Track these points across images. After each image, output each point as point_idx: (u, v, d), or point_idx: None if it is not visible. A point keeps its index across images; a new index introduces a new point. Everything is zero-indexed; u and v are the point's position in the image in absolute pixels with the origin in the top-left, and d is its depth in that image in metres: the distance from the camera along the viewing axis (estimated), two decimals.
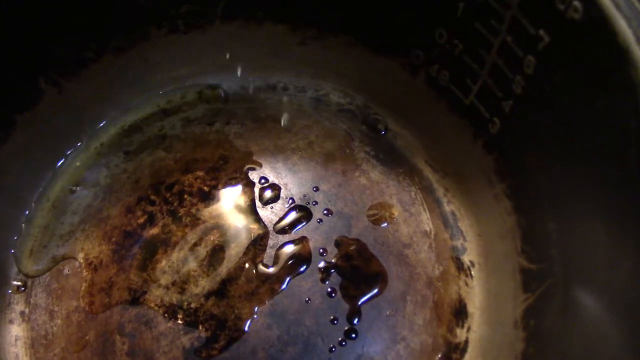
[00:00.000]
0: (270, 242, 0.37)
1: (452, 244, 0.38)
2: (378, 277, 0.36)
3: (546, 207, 0.30)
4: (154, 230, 0.37)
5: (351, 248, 0.37)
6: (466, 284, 0.37)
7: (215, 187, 0.39)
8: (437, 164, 0.41)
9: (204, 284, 0.36)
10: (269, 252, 0.37)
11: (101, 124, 0.42)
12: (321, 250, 0.37)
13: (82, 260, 0.37)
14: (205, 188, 0.39)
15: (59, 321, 0.35)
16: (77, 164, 0.41)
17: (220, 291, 0.35)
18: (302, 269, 0.36)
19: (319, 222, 0.38)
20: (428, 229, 0.38)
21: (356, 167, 0.40)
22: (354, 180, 0.40)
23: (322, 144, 0.41)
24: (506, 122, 0.32)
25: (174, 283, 0.36)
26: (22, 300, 0.36)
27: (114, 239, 0.37)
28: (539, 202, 0.31)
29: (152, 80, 0.42)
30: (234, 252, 0.37)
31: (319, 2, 0.38)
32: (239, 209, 0.38)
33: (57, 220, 0.39)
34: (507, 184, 0.34)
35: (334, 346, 0.34)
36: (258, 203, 0.39)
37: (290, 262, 0.36)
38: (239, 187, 0.39)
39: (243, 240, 0.37)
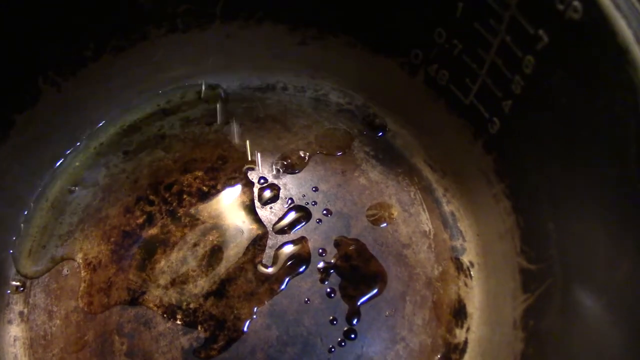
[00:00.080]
0: (270, 243, 0.37)
1: (451, 244, 0.38)
2: (377, 278, 0.36)
3: (545, 207, 0.30)
4: (153, 231, 0.37)
5: (350, 248, 0.37)
6: (465, 285, 0.37)
7: (215, 187, 0.39)
8: (437, 164, 0.41)
9: (203, 284, 0.36)
10: (268, 253, 0.37)
11: (100, 124, 0.42)
12: (320, 251, 0.37)
13: (81, 261, 0.37)
14: (204, 188, 0.39)
15: (58, 321, 0.35)
16: (76, 163, 0.40)
17: (219, 291, 0.35)
18: (301, 269, 0.36)
19: (318, 222, 0.38)
20: (427, 229, 0.38)
21: (355, 167, 0.40)
22: (353, 180, 0.40)
23: (322, 144, 0.41)
24: (506, 122, 0.32)
25: (173, 283, 0.36)
26: (21, 300, 0.36)
27: (112, 239, 0.37)
28: (538, 202, 0.31)
29: (151, 79, 0.42)
30: (233, 252, 0.37)
31: (318, 2, 0.38)
32: (238, 209, 0.38)
33: (56, 221, 0.38)
34: (507, 184, 0.34)
35: (333, 346, 0.34)
36: (257, 203, 0.39)
37: (290, 262, 0.36)
38: (238, 187, 0.39)
39: (242, 240, 0.37)
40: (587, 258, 0.27)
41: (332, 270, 0.36)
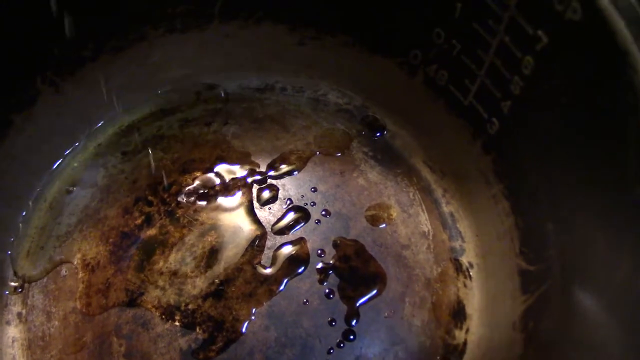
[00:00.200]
0: (268, 243, 0.37)
1: (450, 245, 0.38)
2: (376, 279, 0.36)
3: (544, 208, 0.30)
4: (152, 231, 0.37)
5: (349, 249, 0.37)
6: (465, 285, 0.37)
7: (213, 188, 0.39)
8: (436, 165, 0.40)
9: (202, 286, 0.35)
10: (267, 253, 0.37)
11: (99, 124, 0.42)
12: (319, 252, 0.37)
13: (79, 262, 0.37)
14: (202, 189, 0.39)
15: (56, 323, 0.35)
16: (75, 164, 0.40)
17: (218, 292, 0.35)
18: (300, 270, 0.36)
19: (317, 223, 0.38)
20: (426, 229, 0.38)
21: (354, 168, 0.40)
22: (352, 180, 0.40)
23: (320, 144, 0.41)
24: (505, 122, 0.32)
25: (171, 284, 0.36)
26: (19, 301, 0.36)
27: (111, 240, 0.37)
28: (537, 202, 0.31)
29: (150, 80, 0.42)
30: (231, 253, 0.37)
31: (317, 2, 0.38)
32: (236, 210, 0.38)
33: (54, 221, 0.38)
34: (505, 185, 0.34)
35: (332, 348, 0.34)
36: (256, 204, 0.38)
37: (288, 263, 0.36)
38: (237, 188, 0.39)
39: (241, 241, 0.37)
40: (587, 259, 0.27)
41: (331, 271, 0.36)
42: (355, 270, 0.36)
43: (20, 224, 0.38)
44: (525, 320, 0.31)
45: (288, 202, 0.39)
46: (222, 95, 0.43)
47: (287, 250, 0.37)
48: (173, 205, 0.38)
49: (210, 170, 0.40)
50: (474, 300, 0.36)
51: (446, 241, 0.38)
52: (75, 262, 0.37)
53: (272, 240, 0.37)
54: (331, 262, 0.36)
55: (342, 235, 0.37)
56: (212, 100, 0.43)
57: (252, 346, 0.34)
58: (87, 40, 0.37)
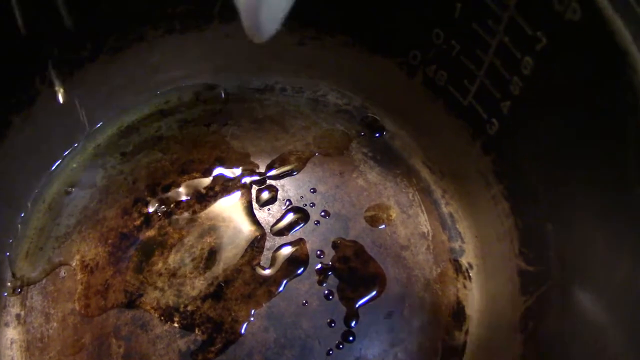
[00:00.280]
0: (267, 244, 0.37)
1: (450, 246, 0.38)
2: (376, 280, 0.36)
3: (544, 208, 0.30)
4: (150, 232, 0.37)
5: (349, 250, 0.37)
6: (464, 286, 0.36)
7: (212, 189, 0.39)
8: (435, 165, 0.40)
9: (201, 287, 0.35)
10: (266, 254, 0.37)
11: (98, 125, 0.42)
12: (318, 252, 0.37)
13: (78, 263, 0.37)
14: (201, 190, 0.39)
15: (55, 324, 0.35)
16: (74, 165, 0.40)
17: (217, 294, 0.35)
18: (299, 271, 0.36)
19: (316, 224, 0.38)
20: (426, 230, 0.38)
21: (354, 169, 0.40)
22: (351, 181, 0.40)
23: (320, 145, 0.41)
24: (504, 123, 0.32)
25: (170, 285, 0.36)
26: (18, 302, 0.36)
27: (110, 241, 0.37)
28: (536, 203, 0.31)
29: (149, 80, 0.42)
30: (230, 254, 0.36)
31: (317, 3, 0.38)
32: (235, 210, 0.38)
33: (53, 222, 0.38)
34: (505, 185, 0.34)
35: (331, 349, 0.34)
36: (255, 205, 0.38)
37: (288, 264, 0.36)
38: (236, 189, 0.39)
39: (240, 242, 0.37)
40: (586, 259, 0.27)
41: (330, 272, 0.36)
42: (354, 271, 0.36)
43: (19, 225, 0.38)
44: (525, 321, 0.31)
45: (287, 203, 0.39)
46: (222, 95, 0.43)
47: (287, 251, 0.37)
48: (172, 206, 0.38)
49: (210, 171, 0.40)
50: (473, 301, 0.36)
51: (446, 242, 0.38)
52: (74, 264, 0.37)
53: (271, 241, 0.37)
54: (330, 263, 0.36)
55: (342, 236, 0.37)
56: (211, 100, 0.43)
57: (251, 347, 0.34)
58: (86, 41, 0.37)
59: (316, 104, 0.43)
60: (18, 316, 0.35)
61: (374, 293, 0.35)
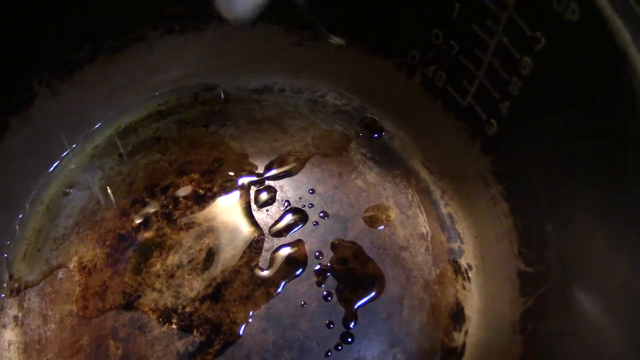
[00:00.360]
0: (266, 245, 0.37)
1: (449, 247, 0.38)
2: (374, 281, 0.36)
3: (543, 209, 0.30)
4: (149, 234, 0.37)
5: (347, 251, 0.37)
6: (463, 287, 0.36)
7: (211, 190, 0.39)
8: (434, 166, 0.40)
9: (199, 288, 0.35)
10: (265, 256, 0.36)
11: (96, 126, 0.41)
12: (317, 254, 0.36)
13: (76, 265, 0.36)
14: (200, 191, 0.39)
15: (53, 326, 0.35)
16: (72, 166, 0.40)
17: (215, 295, 0.35)
18: (297, 273, 0.36)
19: (315, 225, 0.38)
20: (425, 231, 0.38)
21: (352, 169, 0.40)
22: (350, 182, 0.39)
23: (318, 145, 0.41)
24: (503, 123, 0.32)
25: (168, 287, 0.35)
26: (16, 304, 0.36)
27: (108, 243, 0.37)
28: (536, 203, 0.31)
29: (147, 81, 0.42)
30: (229, 255, 0.36)
31: (315, 3, 0.38)
32: (234, 211, 0.38)
33: (51, 224, 0.38)
34: (504, 186, 0.34)
35: (329, 350, 0.34)
36: (253, 206, 0.38)
37: (286, 265, 0.36)
38: (235, 190, 0.39)
39: (238, 243, 0.37)
40: (585, 260, 0.27)
41: (328, 273, 0.36)
42: (353, 272, 0.36)
43: (17, 227, 0.38)
44: (524, 322, 0.31)
45: (286, 203, 0.38)
46: (221, 96, 0.43)
47: (285, 252, 0.37)
48: (170, 207, 0.38)
49: (208, 172, 0.39)
50: (472, 302, 0.36)
51: (445, 243, 0.38)
52: (72, 265, 0.36)
53: (269, 243, 0.37)
54: (329, 264, 0.36)
55: (340, 237, 0.37)
56: (210, 101, 0.43)
57: (249, 349, 0.34)
58: (84, 41, 0.37)
59: (315, 105, 0.43)
60: (16, 318, 0.35)
61: (372, 294, 0.35)
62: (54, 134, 0.39)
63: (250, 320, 0.34)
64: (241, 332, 0.34)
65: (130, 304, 0.35)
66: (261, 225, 0.38)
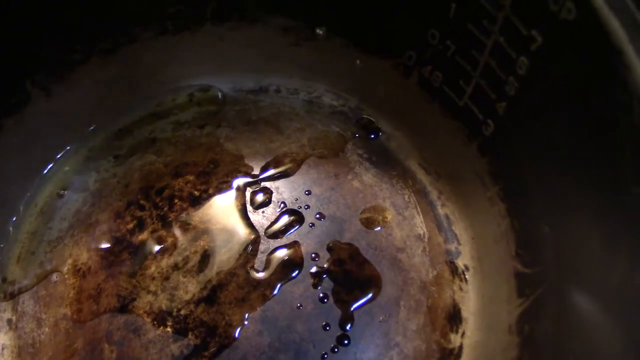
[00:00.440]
0: (262, 247, 0.37)
1: (446, 248, 0.38)
2: (371, 282, 0.36)
3: (540, 210, 0.30)
4: (144, 236, 0.37)
5: (344, 253, 0.37)
6: (460, 289, 0.36)
7: (206, 192, 0.39)
8: (431, 167, 0.40)
9: (194, 291, 0.35)
10: (260, 257, 0.36)
11: (90, 128, 0.41)
12: (313, 255, 0.36)
13: (70, 267, 0.36)
14: (195, 192, 0.38)
15: (47, 329, 0.34)
16: (66, 168, 0.40)
17: (210, 297, 0.35)
18: (293, 275, 0.36)
19: (311, 227, 0.37)
20: (422, 232, 0.38)
21: (349, 170, 0.40)
22: (346, 183, 0.39)
23: (315, 146, 0.41)
24: (500, 124, 0.32)
25: (163, 289, 0.35)
26: (10, 308, 0.35)
27: (102, 245, 0.37)
28: (533, 204, 0.31)
29: (141, 83, 0.42)
30: (224, 257, 0.36)
31: (311, 3, 0.38)
32: (229, 213, 0.38)
33: (46, 226, 0.38)
34: (501, 187, 0.34)
35: (326, 353, 0.33)
36: (249, 207, 0.38)
37: (282, 267, 0.36)
38: (230, 192, 0.39)
39: (234, 245, 0.37)
40: (583, 261, 0.26)
41: (325, 275, 0.36)
42: (349, 274, 0.36)
43: (11, 229, 0.38)
44: (521, 324, 0.31)
45: (282, 205, 0.38)
46: (217, 97, 0.43)
47: (281, 254, 0.36)
48: (165, 209, 0.38)
49: (204, 173, 0.39)
50: (469, 303, 0.36)
51: (442, 244, 0.38)
52: (66, 268, 0.36)
53: (265, 244, 0.37)
54: (325, 265, 0.36)
55: (337, 238, 0.37)
56: (205, 102, 0.43)
57: (245, 352, 0.33)
58: (78, 43, 0.37)
59: (311, 106, 0.43)
60: (9, 321, 0.35)
61: (369, 296, 0.35)
62: (49, 135, 0.39)
63: (245, 322, 0.34)
64: (237, 335, 0.34)
65: (124, 306, 0.35)
66: (257, 227, 0.37)
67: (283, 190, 0.39)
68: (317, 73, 0.43)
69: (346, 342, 0.34)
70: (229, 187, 0.39)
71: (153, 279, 0.35)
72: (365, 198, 0.39)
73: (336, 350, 0.34)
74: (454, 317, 0.35)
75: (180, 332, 0.34)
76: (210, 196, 0.38)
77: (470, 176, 0.36)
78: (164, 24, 0.38)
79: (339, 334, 0.34)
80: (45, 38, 0.35)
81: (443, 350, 0.34)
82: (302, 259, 0.36)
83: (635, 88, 0.22)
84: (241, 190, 0.39)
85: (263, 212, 0.38)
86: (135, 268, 0.36)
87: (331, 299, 0.35)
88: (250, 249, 0.36)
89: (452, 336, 0.35)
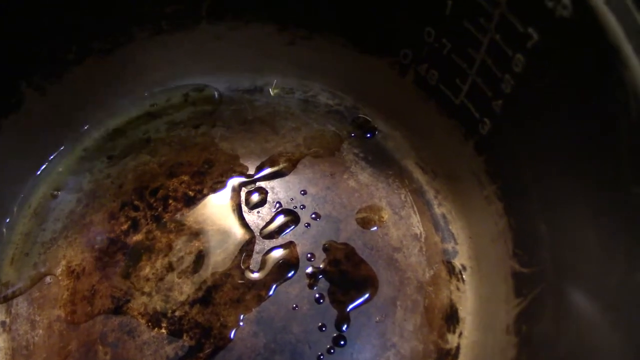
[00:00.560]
0: (257, 248, 0.36)
1: (443, 248, 0.37)
2: (367, 282, 0.35)
3: (537, 209, 0.30)
4: (138, 237, 0.37)
5: (339, 253, 0.36)
6: (457, 289, 0.36)
7: (201, 192, 0.38)
8: (428, 166, 0.40)
9: (189, 292, 0.35)
10: (256, 258, 0.36)
11: (84, 128, 0.41)
12: (309, 255, 0.36)
13: (64, 269, 0.36)
14: (190, 193, 0.38)
15: (41, 331, 0.34)
16: (60, 168, 0.40)
17: (205, 298, 0.35)
18: (289, 275, 0.35)
19: (306, 227, 0.37)
20: (418, 232, 0.38)
21: (345, 170, 0.40)
22: (342, 183, 0.39)
23: (310, 146, 0.41)
24: (497, 122, 0.32)
25: (157, 291, 0.35)
26: (3, 310, 0.35)
27: (96, 246, 0.37)
28: (530, 203, 0.30)
29: (136, 82, 0.41)
30: (219, 258, 0.36)
31: (308, 2, 0.38)
32: (224, 213, 0.37)
33: (39, 227, 0.38)
34: (498, 186, 0.34)
35: (322, 354, 0.33)
36: (244, 207, 0.38)
37: (277, 267, 0.36)
38: (225, 192, 0.38)
39: (229, 245, 0.36)
40: (581, 261, 0.26)
41: (321, 276, 0.35)
42: (345, 274, 0.36)
43: (4, 230, 0.37)
44: (518, 324, 0.31)
45: (277, 205, 0.38)
46: (212, 97, 0.43)
47: (276, 254, 0.36)
48: (160, 209, 0.37)
49: (198, 173, 0.39)
50: (467, 303, 0.35)
51: (439, 243, 0.37)
52: (60, 270, 0.36)
53: (260, 245, 0.36)
54: (321, 266, 0.36)
55: (333, 238, 0.37)
56: (200, 102, 0.43)
57: (240, 353, 0.33)
58: (72, 43, 0.36)
59: (307, 105, 0.43)
60: (3, 323, 0.35)
61: (365, 296, 0.35)
62: (42, 135, 0.39)
63: (241, 323, 0.34)
64: (232, 336, 0.34)
65: (119, 308, 0.34)
66: (252, 227, 0.37)
67: (278, 190, 0.39)
68: (313, 72, 0.43)
69: (342, 342, 0.34)
70: (224, 187, 0.38)
71: (147, 280, 0.35)
72: (362, 197, 0.39)
73: (332, 351, 0.33)
74: (451, 317, 0.35)
75: (175, 333, 0.34)
76: (204, 196, 0.38)
77: (467, 175, 0.36)
78: (159, 24, 0.38)
79: (335, 334, 0.34)
80: (44, 38, 0.35)
81: (440, 350, 0.34)
82: (297, 259, 0.36)
83: (632, 85, 0.22)
84: (236, 190, 0.38)
85: (258, 212, 0.38)
86: (129, 269, 0.36)
87: (327, 299, 0.35)
88: (246, 250, 0.36)
89: (450, 336, 0.34)
